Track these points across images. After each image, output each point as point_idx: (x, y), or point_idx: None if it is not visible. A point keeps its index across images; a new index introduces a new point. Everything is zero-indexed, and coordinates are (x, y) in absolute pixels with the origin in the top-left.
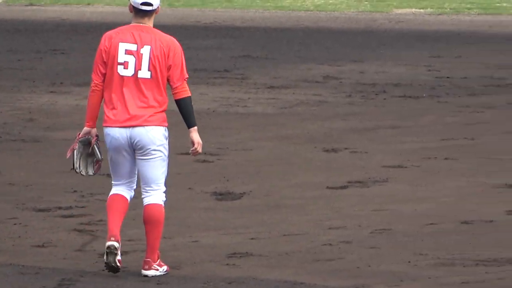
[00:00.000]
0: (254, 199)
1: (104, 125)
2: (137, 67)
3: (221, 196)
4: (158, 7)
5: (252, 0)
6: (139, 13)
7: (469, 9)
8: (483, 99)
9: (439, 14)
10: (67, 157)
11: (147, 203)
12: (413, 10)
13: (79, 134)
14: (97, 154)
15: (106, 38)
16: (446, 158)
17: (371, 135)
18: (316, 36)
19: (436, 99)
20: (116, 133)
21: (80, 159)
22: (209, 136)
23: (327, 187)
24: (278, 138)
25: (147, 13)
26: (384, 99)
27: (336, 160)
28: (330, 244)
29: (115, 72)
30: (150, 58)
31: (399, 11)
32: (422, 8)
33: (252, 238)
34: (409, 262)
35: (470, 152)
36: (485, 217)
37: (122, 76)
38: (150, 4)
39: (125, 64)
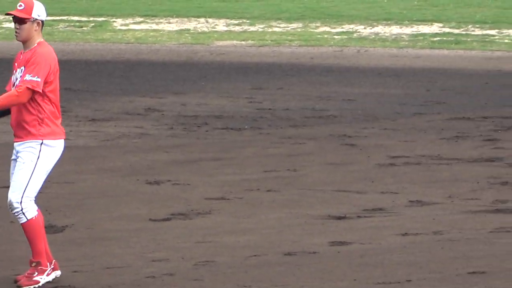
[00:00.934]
0: (77, 232)
1: (57, 137)
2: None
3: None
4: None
5: (73, 32)
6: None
7: (290, 41)
8: (305, 130)
9: (260, 46)
10: None
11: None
12: (234, 42)
13: None
14: None
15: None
16: (268, 190)
17: (194, 167)
18: (137, 69)
19: (258, 131)
20: (63, 145)
21: None
22: None
23: (150, 219)
24: (101, 170)
25: None
26: (206, 131)
27: (158, 192)
28: (153, 277)
29: (58, 85)
30: None
31: (220, 43)
32: (243, 40)
33: (75, 271)
34: None
35: (293, 183)
36: (308, 248)
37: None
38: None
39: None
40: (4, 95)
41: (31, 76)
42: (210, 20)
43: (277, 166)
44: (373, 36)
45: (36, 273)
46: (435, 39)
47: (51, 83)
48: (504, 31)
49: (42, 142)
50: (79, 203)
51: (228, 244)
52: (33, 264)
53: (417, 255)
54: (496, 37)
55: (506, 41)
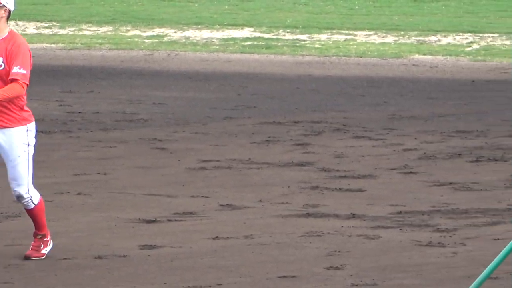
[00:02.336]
0: None
1: (33, 120)
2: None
3: None
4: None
5: None
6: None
7: (100, 44)
8: (115, 134)
9: (71, 49)
10: None
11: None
12: (44, 45)
13: None
14: None
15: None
16: (78, 193)
17: (3, 170)
18: None
19: (68, 134)
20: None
21: None
22: None
23: None
24: None
25: None
26: None
27: None
28: None
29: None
30: None
31: (30, 45)
32: (53, 43)
33: None
34: None
35: (103, 187)
36: (119, 252)
37: None
38: None
39: None
40: (8, 88)
41: (22, 70)
42: (20, 22)
43: (87, 169)
44: (184, 40)
45: (42, 245)
46: (246, 43)
47: None
48: (315, 36)
49: (27, 129)
50: None
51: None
52: (39, 236)
53: (228, 259)
54: (307, 41)
55: (316, 46)
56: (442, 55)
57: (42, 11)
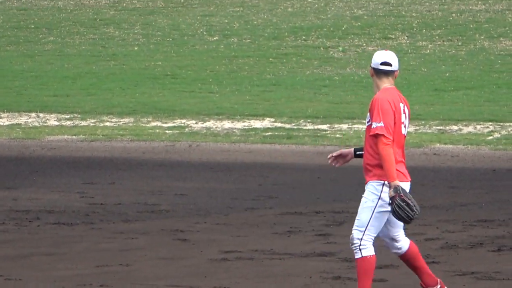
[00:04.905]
0: None
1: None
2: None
3: None
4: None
5: None
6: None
7: (121, 135)
8: (137, 225)
9: (92, 141)
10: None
11: None
12: (66, 136)
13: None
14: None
15: (391, 101)
16: (101, 285)
17: (26, 262)
18: None
19: (90, 226)
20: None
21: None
22: None
23: None
24: None
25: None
26: (38, 226)
27: None
28: None
29: (398, 130)
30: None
31: (51, 137)
32: (75, 135)
33: None
34: None
35: (125, 278)
36: None
37: (403, 135)
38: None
39: (404, 124)
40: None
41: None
42: (41, 114)
43: (109, 260)
44: (205, 131)
45: None
46: (267, 133)
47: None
48: (336, 125)
49: (383, 183)
50: None
51: None
52: None
53: None
54: (328, 131)
55: (337, 135)
56: (463, 144)
57: (63, 103)
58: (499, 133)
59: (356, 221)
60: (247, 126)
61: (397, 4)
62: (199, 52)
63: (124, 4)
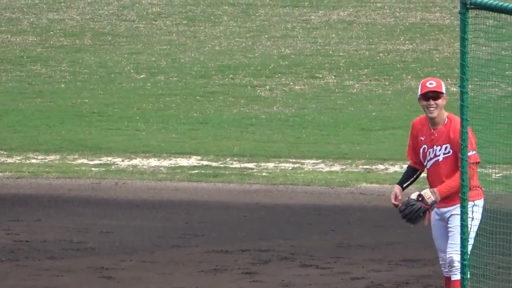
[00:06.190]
0: None
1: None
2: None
3: None
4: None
5: None
6: None
7: (48, 172)
8: (63, 262)
9: (18, 178)
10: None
11: None
12: None
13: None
14: None
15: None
16: None
17: None
18: None
19: (15, 263)
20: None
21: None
22: None
23: None
24: None
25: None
26: None
27: None
28: None
29: None
30: None
31: None
32: (0, 172)
33: None
34: None
35: None
36: None
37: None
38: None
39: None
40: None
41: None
42: None
43: None
44: (131, 169)
45: None
46: (193, 172)
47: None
48: (262, 164)
49: (473, 204)
50: None
51: None
52: None
53: None
54: (254, 170)
55: (264, 174)
56: (390, 184)
57: None
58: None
59: (453, 246)
60: (174, 164)
61: (324, 44)
62: (126, 90)
63: (51, 42)
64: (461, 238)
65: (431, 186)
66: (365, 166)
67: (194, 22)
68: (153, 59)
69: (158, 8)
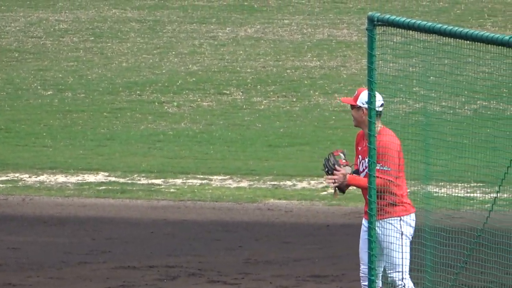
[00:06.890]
0: None
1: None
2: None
3: None
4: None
5: None
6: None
7: None
8: None
9: None
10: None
11: None
12: None
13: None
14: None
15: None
16: None
17: None
18: None
19: None
20: None
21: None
22: None
23: None
24: None
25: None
26: None
27: None
28: None
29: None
30: None
31: None
32: None
33: None
34: None
35: None
36: None
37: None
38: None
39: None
40: None
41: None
42: None
43: None
44: (38, 185)
45: None
46: (101, 188)
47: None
48: (170, 180)
49: (400, 218)
50: None
51: None
52: None
53: None
54: (162, 186)
55: (171, 190)
56: (297, 200)
57: None
58: (333, 189)
59: (392, 266)
60: (81, 180)
61: (232, 60)
62: (33, 106)
63: None
64: (369, 254)
65: (364, 197)
66: (272, 182)
67: (101, 39)
68: (60, 75)
69: (65, 25)
